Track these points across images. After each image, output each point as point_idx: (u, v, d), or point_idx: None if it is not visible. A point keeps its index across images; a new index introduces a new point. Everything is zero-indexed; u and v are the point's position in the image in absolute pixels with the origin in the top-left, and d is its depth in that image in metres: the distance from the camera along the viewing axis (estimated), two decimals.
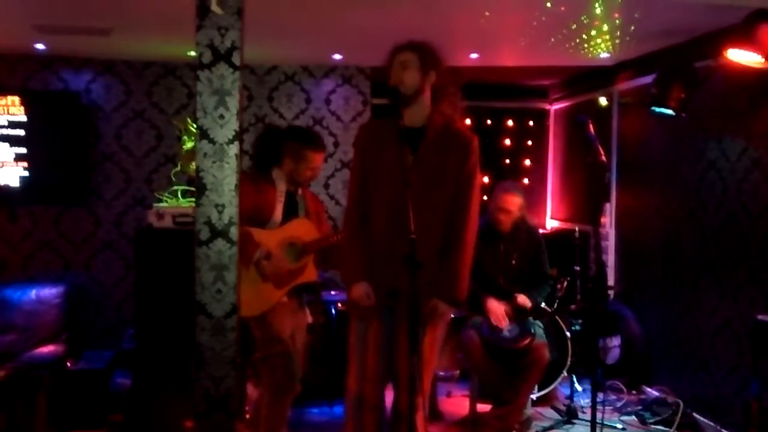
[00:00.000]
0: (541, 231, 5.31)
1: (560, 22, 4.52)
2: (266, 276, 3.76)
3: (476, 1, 4.13)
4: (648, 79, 4.95)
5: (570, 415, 4.86)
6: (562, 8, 4.20)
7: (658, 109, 4.41)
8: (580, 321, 5.33)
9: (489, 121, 7.30)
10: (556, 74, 6.83)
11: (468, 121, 7.06)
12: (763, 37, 3.73)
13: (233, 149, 2.75)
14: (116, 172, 6.03)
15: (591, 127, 3.71)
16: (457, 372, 5.53)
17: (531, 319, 4.63)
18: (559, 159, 7.22)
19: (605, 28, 4.65)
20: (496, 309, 4.56)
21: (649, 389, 5.31)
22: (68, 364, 5.01)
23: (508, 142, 7.37)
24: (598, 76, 6.16)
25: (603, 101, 6.12)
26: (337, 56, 5.93)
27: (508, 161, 7.37)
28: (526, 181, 7.29)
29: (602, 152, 3.68)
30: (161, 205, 4.32)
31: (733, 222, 4.47)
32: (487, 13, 4.35)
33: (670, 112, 4.35)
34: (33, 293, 5.31)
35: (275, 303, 3.82)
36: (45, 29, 4.87)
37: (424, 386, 3.17)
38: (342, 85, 6.34)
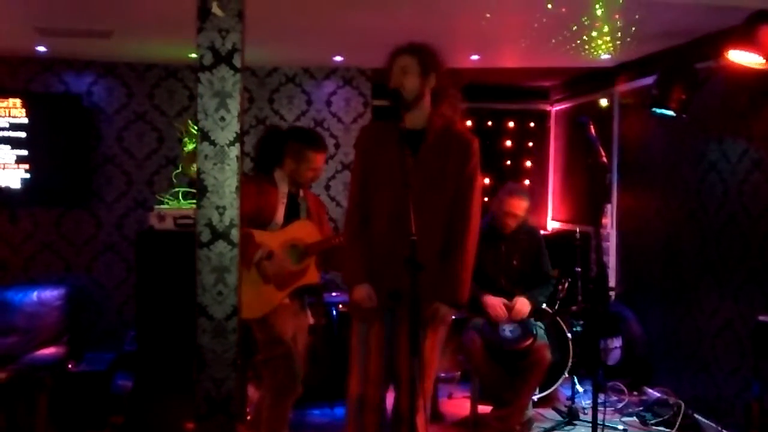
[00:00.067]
0: (542, 232, 5.31)
1: (561, 23, 4.52)
2: (268, 277, 3.76)
3: (477, 2, 4.13)
4: (649, 81, 4.95)
5: (571, 416, 4.86)
6: (563, 10, 4.20)
7: (658, 110, 4.42)
8: (581, 322, 5.33)
9: (490, 123, 7.30)
10: (557, 75, 6.83)
11: (469, 123, 7.07)
12: (764, 38, 3.73)
13: (234, 151, 2.76)
14: (117, 174, 6.04)
15: (592, 128, 3.71)
16: (458, 373, 5.53)
17: (532, 320, 4.63)
18: (560, 160, 7.22)
19: (606, 29, 4.65)
20: (494, 303, 4.55)
21: (650, 390, 5.31)
22: (69, 366, 5.01)
23: (509, 143, 7.36)
24: (599, 78, 6.17)
25: (604, 102, 6.12)
26: (338, 58, 5.94)
27: (509, 163, 7.37)
28: (527, 182, 7.29)
29: (603, 153, 3.68)
30: (162, 207, 4.32)
31: (733, 223, 4.47)
32: (487, 15, 4.35)
33: (670, 113, 4.36)
34: (34, 295, 5.31)
35: (277, 305, 3.82)
36: (46, 32, 4.87)
37: (425, 388, 3.17)
38: (343, 87, 6.34)
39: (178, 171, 4.62)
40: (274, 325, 3.79)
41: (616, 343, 5.42)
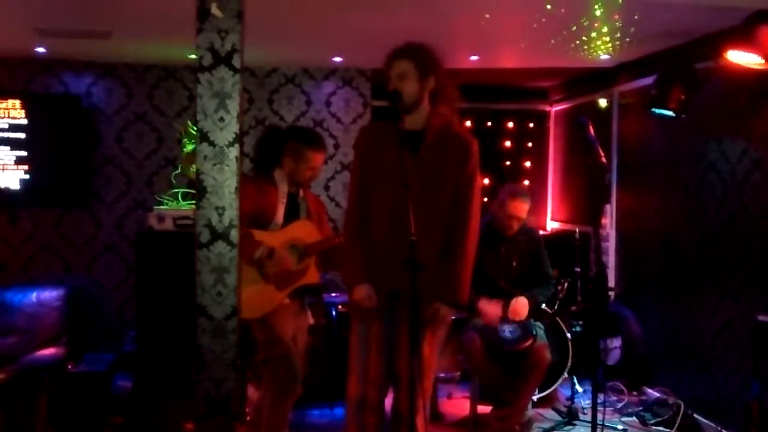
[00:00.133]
0: (541, 232, 5.31)
1: (560, 23, 4.52)
2: (268, 277, 3.76)
3: (476, 3, 4.13)
4: (648, 81, 4.95)
5: (571, 416, 4.86)
6: (562, 10, 4.20)
7: (658, 111, 4.42)
8: (580, 322, 5.34)
9: (489, 123, 7.31)
10: (557, 76, 6.83)
11: (468, 123, 7.08)
12: (763, 38, 3.73)
13: (233, 152, 2.76)
14: (117, 175, 6.04)
15: (591, 128, 3.71)
16: (458, 373, 5.53)
17: (532, 320, 4.63)
18: (560, 160, 7.23)
19: (605, 29, 4.66)
20: (488, 309, 4.55)
21: (649, 390, 5.31)
22: (69, 366, 5.01)
23: (508, 143, 7.37)
24: (599, 78, 6.17)
25: (603, 103, 6.12)
26: (337, 58, 5.94)
27: (508, 163, 7.37)
28: (526, 182, 7.29)
29: (602, 154, 3.68)
30: (162, 207, 4.32)
31: (733, 223, 4.47)
32: (487, 15, 4.35)
33: (670, 113, 4.36)
34: (34, 296, 5.31)
35: (277, 305, 3.82)
36: (46, 32, 4.88)
37: (424, 388, 3.17)
38: (342, 87, 6.35)
39: (177, 172, 4.62)
40: (274, 325, 3.79)
41: (616, 343, 5.43)
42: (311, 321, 4.16)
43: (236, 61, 2.74)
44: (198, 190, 2.76)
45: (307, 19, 4.54)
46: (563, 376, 5.00)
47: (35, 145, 5.65)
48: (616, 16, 4.34)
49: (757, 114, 4.27)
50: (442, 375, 5.34)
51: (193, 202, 2.87)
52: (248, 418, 4.20)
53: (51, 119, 5.71)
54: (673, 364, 5.13)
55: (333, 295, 5.35)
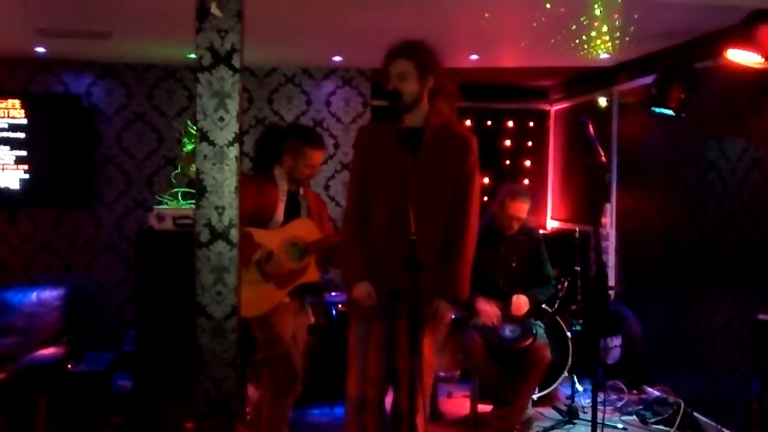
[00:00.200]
0: (541, 232, 5.31)
1: (560, 23, 4.52)
2: (268, 276, 3.77)
3: (476, 2, 4.13)
4: (648, 80, 4.95)
5: (571, 415, 4.86)
6: (562, 9, 4.20)
7: (658, 110, 4.42)
8: (580, 321, 5.34)
9: (489, 122, 7.31)
10: (556, 75, 6.83)
11: (468, 122, 7.08)
12: (763, 37, 3.74)
13: (233, 151, 2.76)
14: (117, 175, 6.04)
15: (591, 127, 3.71)
16: (458, 372, 5.53)
17: (532, 319, 4.63)
18: (560, 160, 7.23)
19: (605, 28, 4.66)
20: (487, 309, 4.54)
21: (649, 389, 5.31)
22: (69, 366, 5.01)
23: (508, 143, 7.37)
24: (598, 77, 6.17)
25: (603, 102, 6.12)
26: (337, 58, 5.94)
27: (508, 162, 7.37)
28: (526, 181, 7.29)
29: (602, 153, 3.68)
30: (162, 207, 4.32)
31: (733, 222, 4.47)
32: (486, 15, 4.35)
33: (670, 112, 4.36)
34: (34, 296, 5.31)
35: (277, 304, 3.83)
36: (46, 32, 4.87)
37: (424, 387, 3.17)
38: (342, 87, 6.35)
39: (177, 171, 4.63)
40: (274, 324, 3.80)
41: (616, 341, 5.43)
42: (312, 320, 4.16)
43: (236, 61, 2.74)
44: (198, 189, 2.76)
45: (307, 19, 4.54)
46: (563, 375, 5.01)
47: (35, 145, 5.65)
48: (616, 15, 4.34)
49: (757, 113, 4.28)
50: (442, 374, 5.34)
51: (193, 201, 2.87)
52: (248, 417, 4.20)
53: (51, 119, 5.70)
54: (673, 362, 5.13)
55: (333, 294, 5.35)
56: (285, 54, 5.82)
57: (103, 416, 4.59)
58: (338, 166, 6.33)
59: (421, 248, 2.79)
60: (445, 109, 3.22)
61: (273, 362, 3.81)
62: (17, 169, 5.62)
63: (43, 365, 4.88)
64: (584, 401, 5.09)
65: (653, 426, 4.75)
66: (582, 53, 5.40)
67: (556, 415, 4.94)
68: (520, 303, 4.55)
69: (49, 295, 5.34)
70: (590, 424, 3.47)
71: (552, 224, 7.29)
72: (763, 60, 3.83)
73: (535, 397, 4.87)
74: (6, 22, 4.67)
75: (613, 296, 5.87)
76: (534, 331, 4.56)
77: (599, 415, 3.46)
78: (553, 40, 5.01)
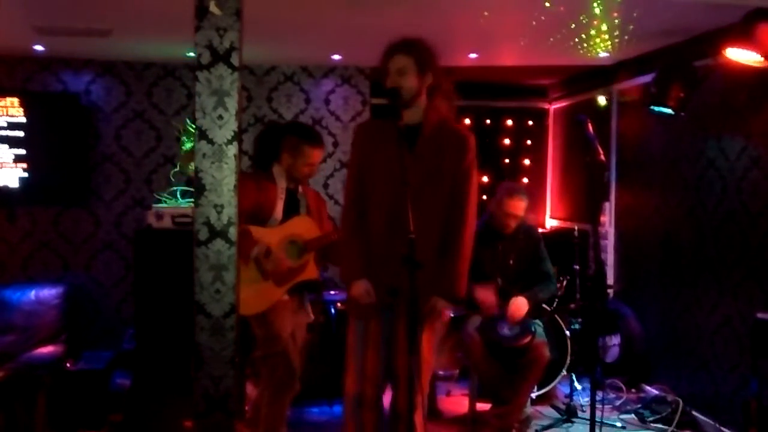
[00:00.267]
0: (540, 230, 5.30)
1: (559, 21, 4.52)
2: (267, 273, 3.77)
3: (475, 0, 4.13)
4: (647, 79, 4.95)
5: (569, 413, 4.87)
6: (561, 8, 4.20)
7: (657, 108, 4.42)
8: (579, 320, 5.34)
9: (488, 121, 7.30)
10: (556, 74, 6.83)
11: (467, 121, 7.08)
12: (762, 35, 3.73)
13: (232, 150, 2.76)
14: (116, 173, 6.04)
15: (590, 126, 3.71)
16: (457, 371, 5.53)
17: (530, 318, 4.63)
18: (559, 158, 7.23)
19: (604, 27, 4.66)
20: (485, 297, 4.52)
21: (648, 387, 5.32)
22: (68, 364, 5.01)
23: (507, 141, 7.36)
24: (598, 76, 6.17)
25: (602, 100, 6.12)
26: (336, 56, 5.93)
27: (507, 161, 7.37)
28: (525, 180, 7.29)
29: (601, 151, 3.68)
30: (160, 205, 4.33)
31: (732, 220, 4.47)
32: (486, 13, 4.35)
33: (669, 111, 4.36)
34: (32, 294, 5.31)
35: (276, 301, 3.83)
36: (45, 31, 4.87)
37: (423, 385, 3.17)
38: (341, 86, 6.34)
39: (176, 169, 4.63)
40: (273, 322, 3.80)
41: (615, 340, 5.43)
42: (311, 318, 4.16)
43: (235, 59, 2.74)
44: (196, 187, 2.76)
45: (306, 17, 4.54)
46: (562, 374, 5.01)
47: (34, 144, 5.65)
48: (615, 14, 4.34)
49: (756, 111, 4.28)
50: (441, 372, 5.34)
51: (192, 200, 2.87)
52: (247, 415, 4.20)
53: (50, 117, 5.70)
54: (671, 361, 5.13)
55: (332, 292, 5.35)
56: (284, 52, 5.82)
57: (101, 414, 4.59)
58: (337, 164, 6.33)
59: (420, 246, 2.79)
60: (443, 107, 3.22)
61: (271, 360, 3.81)
62: (16, 167, 5.62)
63: (42, 363, 4.88)
64: (583, 400, 5.09)
65: (652, 424, 4.75)
66: (581, 52, 5.40)
67: (555, 414, 4.94)
68: (516, 309, 4.52)
69: (48, 293, 5.34)
70: (589, 422, 3.48)
71: (551, 223, 7.29)
72: (762, 58, 3.83)
73: (533, 395, 4.87)
74: (5, 20, 4.67)
75: (611, 295, 5.88)
76: (533, 330, 4.56)
77: (598, 413, 3.46)
78: (552, 39, 5.01)
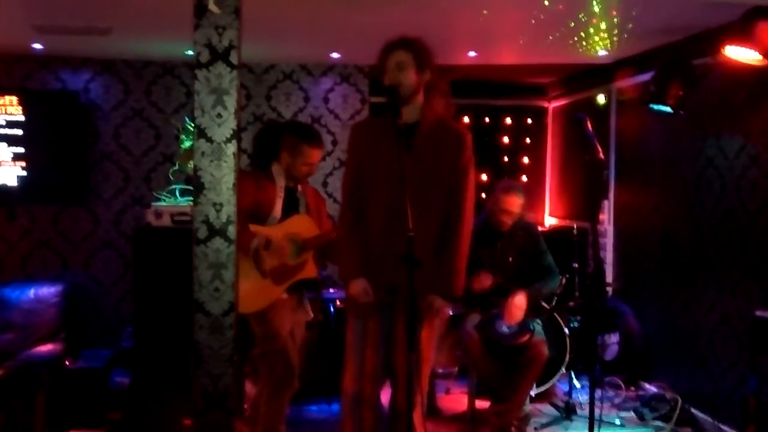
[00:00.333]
0: (539, 228, 5.30)
1: (558, 20, 4.52)
2: (265, 272, 3.76)
3: None
4: (646, 77, 4.95)
5: (568, 411, 4.87)
6: (560, 6, 4.20)
7: (656, 107, 4.41)
8: (578, 318, 5.34)
9: (487, 119, 7.30)
10: (555, 72, 6.83)
11: (466, 119, 7.08)
12: (761, 33, 3.73)
13: (231, 148, 2.75)
14: (115, 171, 6.04)
15: (589, 124, 3.71)
16: (456, 369, 5.53)
17: (530, 316, 4.63)
18: (558, 156, 7.23)
19: (603, 25, 4.65)
20: (480, 284, 4.52)
21: (647, 385, 5.32)
22: (67, 362, 5.01)
23: (506, 139, 7.36)
24: (597, 74, 6.17)
25: (601, 99, 6.12)
26: (335, 55, 5.93)
27: (506, 159, 7.37)
28: (524, 178, 7.30)
29: (600, 150, 3.69)
30: (159, 204, 4.33)
31: (731, 218, 4.48)
32: (485, 12, 4.35)
33: (668, 109, 4.35)
34: (31, 292, 5.32)
35: (275, 300, 3.83)
36: (44, 29, 4.87)
37: (422, 383, 3.18)
38: (340, 84, 6.34)
39: (175, 168, 4.63)
40: (272, 320, 3.80)
41: (614, 338, 5.44)
42: (310, 316, 4.16)
43: (234, 58, 2.74)
44: (195, 186, 2.76)
45: (305, 15, 4.54)
46: (561, 372, 5.01)
47: (33, 142, 5.65)
48: (614, 12, 4.34)
49: (755, 110, 4.28)
50: (440, 370, 5.35)
51: (191, 198, 2.87)
52: (246, 413, 4.21)
53: (48, 116, 5.70)
54: (670, 359, 5.14)
55: (331, 290, 5.35)
56: (283, 51, 5.82)
57: (100, 413, 4.59)
58: (336, 162, 6.33)
59: (419, 244, 2.80)
60: (440, 106, 3.22)
61: (270, 358, 3.81)
62: (15, 165, 5.62)
63: (41, 362, 4.88)
64: (582, 397, 5.09)
65: (651, 422, 4.76)
66: (580, 50, 5.40)
67: (554, 412, 4.94)
68: (516, 307, 4.48)
69: (47, 291, 5.35)
70: (588, 420, 3.48)
71: (550, 221, 7.29)
72: (761, 57, 3.82)
73: (532, 393, 4.87)
74: (4, 19, 4.66)
75: (610, 293, 5.88)
76: (531, 328, 4.56)
77: (597, 411, 3.47)
78: (551, 37, 5.00)
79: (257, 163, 4.03)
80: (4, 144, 5.59)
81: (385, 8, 4.30)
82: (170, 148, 5.97)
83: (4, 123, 5.59)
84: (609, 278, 5.97)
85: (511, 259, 4.68)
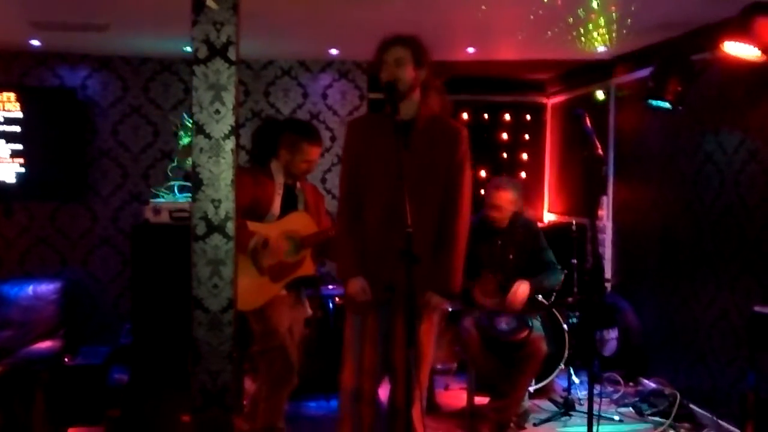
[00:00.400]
0: (538, 224, 5.30)
1: (557, 15, 4.51)
2: (263, 269, 3.76)
3: None
4: (645, 73, 4.95)
5: (567, 407, 4.87)
6: (559, 2, 4.19)
7: (654, 103, 4.42)
8: (577, 313, 5.35)
9: (486, 116, 7.30)
10: (553, 68, 6.82)
11: (465, 116, 7.08)
12: (760, 29, 3.73)
13: (229, 144, 2.75)
14: (113, 168, 6.03)
15: (588, 120, 3.70)
16: (455, 365, 5.54)
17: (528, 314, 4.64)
18: (557, 153, 7.23)
19: (602, 21, 4.65)
20: (484, 301, 4.52)
21: (646, 381, 5.33)
22: (65, 359, 5.01)
23: (505, 136, 7.36)
24: (595, 70, 6.16)
25: (600, 95, 6.12)
26: (333, 51, 5.92)
27: (505, 155, 7.36)
28: (523, 174, 7.29)
29: (599, 146, 3.68)
30: (158, 200, 4.32)
31: (729, 214, 4.48)
32: (483, 7, 4.34)
33: (666, 105, 4.35)
34: (30, 289, 5.31)
35: (273, 297, 3.83)
36: (41, 25, 4.86)
37: (421, 379, 3.18)
38: (339, 80, 6.34)
39: (173, 164, 4.62)
40: (271, 317, 3.80)
41: (612, 334, 5.44)
42: (309, 312, 4.16)
43: (232, 54, 2.74)
44: (194, 182, 2.76)
45: (303, 11, 4.53)
46: (560, 368, 5.01)
47: (31, 139, 5.64)
48: (613, 8, 4.33)
49: (754, 105, 4.28)
50: (438, 366, 5.35)
51: (189, 194, 2.86)
52: (245, 409, 4.21)
53: (46, 112, 5.69)
54: (669, 354, 5.14)
55: (329, 287, 5.35)
56: (281, 47, 5.81)
57: (99, 410, 4.58)
58: (335, 159, 6.32)
59: (417, 240, 2.80)
60: (436, 102, 3.23)
61: (269, 355, 3.81)
62: (13, 162, 5.61)
63: (40, 359, 4.88)
64: (580, 393, 5.10)
65: (649, 418, 4.76)
66: (579, 46, 5.40)
67: (553, 408, 4.94)
68: (519, 291, 4.49)
69: (45, 288, 5.34)
70: (586, 416, 3.48)
71: (549, 217, 7.29)
72: (760, 52, 3.82)
73: (531, 389, 4.88)
74: (1, 15, 4.65)
75: (609, 288, 5.88)
76: (530, 324, 4.56)
77: (595, 407, 3.47)
78: (550, 33, 5.00)
79: (256, 159, 4.02)
80: (2, 141, 5.59)
81: (384, 4, 4.29)
82: (168, 145, 5.96)
83: (1, 120, 5.58)
84: (608, 274, 5.98)
85: (511, 256, 4.68)
